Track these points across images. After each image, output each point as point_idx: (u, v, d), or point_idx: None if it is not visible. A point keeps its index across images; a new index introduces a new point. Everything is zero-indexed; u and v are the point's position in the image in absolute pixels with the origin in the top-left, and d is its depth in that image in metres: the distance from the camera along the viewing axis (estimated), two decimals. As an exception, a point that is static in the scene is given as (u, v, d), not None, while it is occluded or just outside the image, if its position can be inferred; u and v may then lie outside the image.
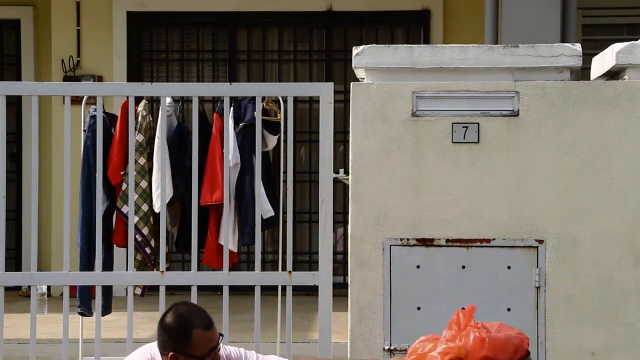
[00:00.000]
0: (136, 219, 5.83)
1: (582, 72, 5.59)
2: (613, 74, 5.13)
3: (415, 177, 4.94)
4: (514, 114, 4.92)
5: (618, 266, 4.88)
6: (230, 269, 5.41)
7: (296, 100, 6.21)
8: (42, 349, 6.71)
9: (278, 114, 6.28)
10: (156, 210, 5.91)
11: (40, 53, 10.73)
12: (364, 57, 4.99)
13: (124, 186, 5.96)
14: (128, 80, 10.18)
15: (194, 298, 5.28)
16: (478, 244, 4.92)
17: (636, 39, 4.98)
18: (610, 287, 4.88)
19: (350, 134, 4.99)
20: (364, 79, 5.12)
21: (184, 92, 5.81)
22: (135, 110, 5.91)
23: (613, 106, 4.89)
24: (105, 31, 10.40)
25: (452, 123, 4.93)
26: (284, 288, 5.75)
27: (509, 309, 4.73)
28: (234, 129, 6.02)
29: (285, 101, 6.16)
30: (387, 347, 4.91)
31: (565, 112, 4.90)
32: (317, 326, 5.49)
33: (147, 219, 6.00)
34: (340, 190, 9.20)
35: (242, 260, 9.78)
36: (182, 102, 7.65)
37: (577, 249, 4.90)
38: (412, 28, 10.54)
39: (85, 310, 6.16)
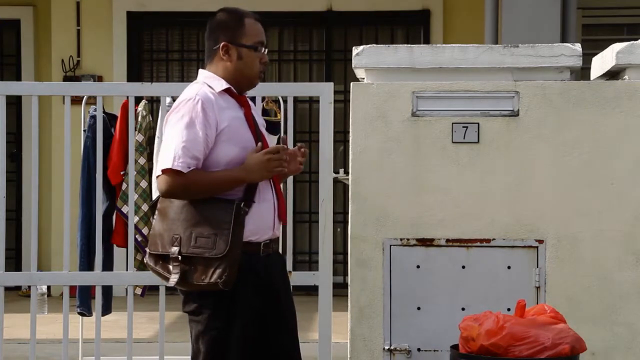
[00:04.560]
0: (136, 219, 5.83)
1: (582, 72, 5.59)
2: (613, 74, 5.12)
3: (415, 177, 4.93)
4: (514, 114, 4.91)
5: (618, 266, 4.88)
6: (230, 269, 5.40)
7: (296, 100, 6.21)
8: (42, 349, 6.70)
9: (278, 114, 6.28)
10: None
11: (40, 53, 10.73)
12: (364, 57, 4.99)
13: (124, 186, 5.96)
14: (128, 80, 10.19)
15: (194, 298, 5.27)
16: (478, 244, 4.91)
17: (636, 39, 4.98)
18: (610, 287, 4.88)
19: (350, 134, 4.98)
20: (364, 79, 5.11)
21: (184, 92, 5.79)
22: (135, 110, 5.91)
23: (613, 106, 4.88)
24: (105, 31, 10.41)
25: (452, 123, 4.92)
26: (284, 288, 5.74)
27: (508, 309, 4.72)
28: (234, 129, 6.01)
29: (285, 101, 6.16)
30: (387, 347, 4.91)
31: (565, 112, 4.90)
32: (317, 326, 5.49)
33: (147, 219, 6.00)
34: (340, 190, 9.20)
35: (242, 260, 9.76)
36: (182, 102, 7.63)
37: (577, 249, 4.89)
38: (412, 28, 10.55)
39: (85, 310, 6.16)
